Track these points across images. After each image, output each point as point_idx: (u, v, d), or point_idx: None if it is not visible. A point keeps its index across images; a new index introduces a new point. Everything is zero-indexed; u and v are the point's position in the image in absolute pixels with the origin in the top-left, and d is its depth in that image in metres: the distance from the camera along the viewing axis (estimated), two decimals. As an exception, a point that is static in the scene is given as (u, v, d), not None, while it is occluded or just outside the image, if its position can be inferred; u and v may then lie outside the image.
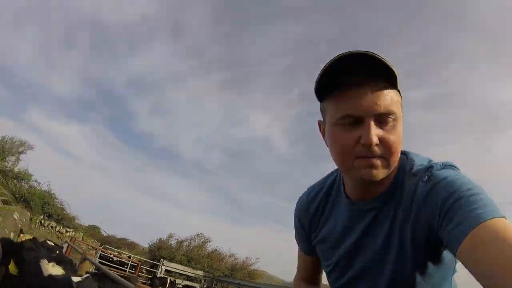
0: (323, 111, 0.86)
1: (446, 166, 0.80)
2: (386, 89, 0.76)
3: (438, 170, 0.79)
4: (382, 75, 0.76)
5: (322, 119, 0.89)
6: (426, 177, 0.79)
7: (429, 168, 0.80)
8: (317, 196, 1.02)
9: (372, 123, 0.75)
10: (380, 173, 0.78)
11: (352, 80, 0.76)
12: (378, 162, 0.77)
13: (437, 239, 0.72)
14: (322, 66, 0.77)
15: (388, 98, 0.76)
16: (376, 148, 0.76)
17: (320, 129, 0.91)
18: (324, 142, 0.88)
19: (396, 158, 0.79)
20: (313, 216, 1.02)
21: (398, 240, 0.81)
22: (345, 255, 0.92)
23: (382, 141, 0.76)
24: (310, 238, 1.05)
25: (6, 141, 17.03)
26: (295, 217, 1.10)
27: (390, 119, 0.77)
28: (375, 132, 0.75)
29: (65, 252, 7.27)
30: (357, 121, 0.77)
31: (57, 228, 14.20)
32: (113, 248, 15.50)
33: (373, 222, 0.86)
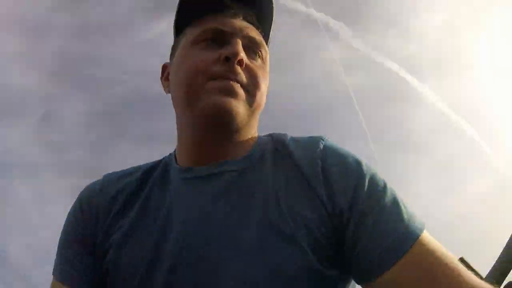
0: (176, 45, 0.67)
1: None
2: (259, 30, 0.65)
3: (331, 142, 0.61)
4: (256, 10, 0.65)
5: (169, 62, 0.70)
6: (321, 146, 0.59)
7: (320, 137, 0.61)
8: (124, 178, 0.65)
9: (240, 43, 0.60)
10: (240, 106, 0.57)
11: (224, 4, 0.63)
12: (239, 89, 0.58)
13: (341, 230, 0.52)
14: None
15: (260, 36, 0.65)
16: (239, 69, 0.58)
17: (162, 74, 0.71)
18: (164, 91, 0.70)
19: (260, 101, 0.62)
20: (111, 203, 0.62)
21: (283, 221, 0.52)
22: (179, 253, 0.54)
23: (248, 68, 0.60)
24: (93, 242, 0.61)
25: None
26: (72, 209, 0.66)
27: (260, 53, 0.64)
28: (243, 54, 0.59)
29: None
30: (222, 41, 0.61)
31: None
32: None
33: (230, 193, 0.57)
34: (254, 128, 0.66)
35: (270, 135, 0.66)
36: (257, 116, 0.66)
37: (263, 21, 0.67)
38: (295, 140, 0.62)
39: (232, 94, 0.57)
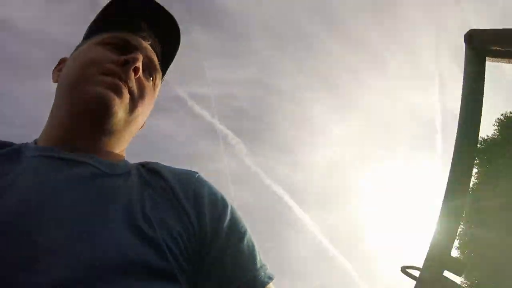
0: (81, 45, 0.69)
1: None
2: (157, 57, 0.70)
3: (204, 177, 0.63)
4: (163, 40, 0.71)
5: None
6: (195, 176, 0.61)
7: (194, 171, 0.63)
8: None
9: (141, 57, 0.63)
10: (121, 107, 0.58)
11: (139, 27, 0.69)
12: (126, 92, 0.59)
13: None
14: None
15: (158, 65, 0.69)
16: (133, 76, 0.60)
17: (57, 66, 0.70)
18: (52, 79, 0.69)
19: (139, 115, 0.63)
20: None
21: (147, 225, 0.49)
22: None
23: (140, 81, 0.63)
24: None
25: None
26: None
27: (154, 77, 0.68)
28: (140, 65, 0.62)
29: None
30: (126, 51, 0.63)
31: None
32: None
33: (90, 186, 0.51)
34: (124, 145, 0.66)
35: (139, 162, 0.64)
36: (131, 134, 0.66)
37: (166, 57, 0.73)
38: (167, 166, 0.63)
39: (118, 93, 0.58)
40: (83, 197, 0.49)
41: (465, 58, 0.86)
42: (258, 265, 0.55)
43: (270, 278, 0.55)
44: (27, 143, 0.60)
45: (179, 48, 0.76)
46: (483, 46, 0.77)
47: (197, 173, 0.63)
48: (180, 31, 0.74)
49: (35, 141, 0.62)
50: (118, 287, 0.42)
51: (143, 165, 0.62)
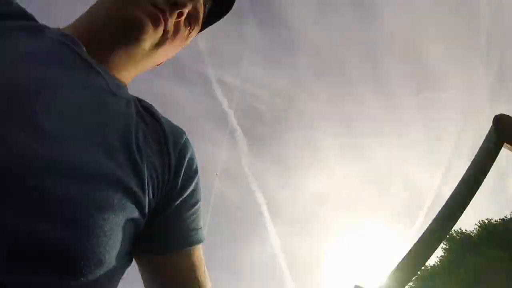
0: None
1: None
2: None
3: None
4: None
5: None
6: (185, 136, 0.66)
7: (183, 130, 0.68)
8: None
9: (190, 6, 0.66)
10: (150, 36, 0.61)
11: None
12: (160, 28, 0.62)
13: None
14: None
15: (201, 19, 0.72)
16: (174, 18, 0.64)
17: None
18: None
19: (162, 53, 0.67)
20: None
21: (136, 146, 0.53)
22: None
23: (177, 25, 0.66)
24: None
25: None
26: None
27: (191, 29, 0.70)
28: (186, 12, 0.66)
29: None
30: None
31: None
32: None
33: (97, 93, 0.54)
34: (134, 73, 0.68)
35: (135, 96, 0.66)
36: (145, 66, 0.69)
37: (210, 17, 0.76)
38: (160, 113, 0.66)
39: (155, 25, 0.61)
40: (89, 102, 0.51)
41: (485, 137, 0.89)
42: (199, 226, 0.64)
43: (204, 238, 0.64)
44: (49, 27, 0.60)
45: (225, 16, 0.80)
46: (507, 133, 0.81)
47: (186, 133, 0.67)
48: (234, 3, 0.78)
49: (58, 29, 0.63)
50: (97, 190, 0.44)
51: (139, 100, 0.65)
